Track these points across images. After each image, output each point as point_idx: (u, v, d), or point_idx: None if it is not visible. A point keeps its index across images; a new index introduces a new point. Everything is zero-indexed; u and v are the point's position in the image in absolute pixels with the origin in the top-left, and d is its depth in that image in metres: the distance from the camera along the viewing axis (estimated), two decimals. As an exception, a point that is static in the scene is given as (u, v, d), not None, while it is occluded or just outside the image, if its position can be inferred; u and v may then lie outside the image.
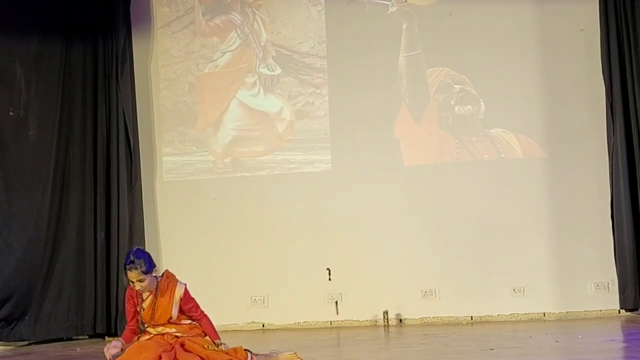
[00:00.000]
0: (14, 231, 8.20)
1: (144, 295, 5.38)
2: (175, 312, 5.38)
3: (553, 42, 8.63)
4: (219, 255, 8.95)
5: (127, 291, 5.45)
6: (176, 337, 5.33)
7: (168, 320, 5.41)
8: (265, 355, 5.58)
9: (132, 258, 5.29)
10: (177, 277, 5.51)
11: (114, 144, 8.83)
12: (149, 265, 5.31)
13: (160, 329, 5.41)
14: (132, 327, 5.45)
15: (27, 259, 8.22)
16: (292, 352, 5.61)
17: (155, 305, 5.35)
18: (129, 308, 5.43)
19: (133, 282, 5.29)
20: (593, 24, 8.39)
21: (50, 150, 8.53)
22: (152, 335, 5.38)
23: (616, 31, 8.23)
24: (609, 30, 8.24)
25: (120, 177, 8.77)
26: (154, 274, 5.36)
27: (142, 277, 5.26)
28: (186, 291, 5.43)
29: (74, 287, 8.51)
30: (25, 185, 8.32)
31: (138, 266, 5.26)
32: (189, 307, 5.43)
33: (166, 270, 5.54)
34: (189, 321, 5.47)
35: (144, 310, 5.37)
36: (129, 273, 5.28)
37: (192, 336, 5.38)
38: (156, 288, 5.37)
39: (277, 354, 5.59)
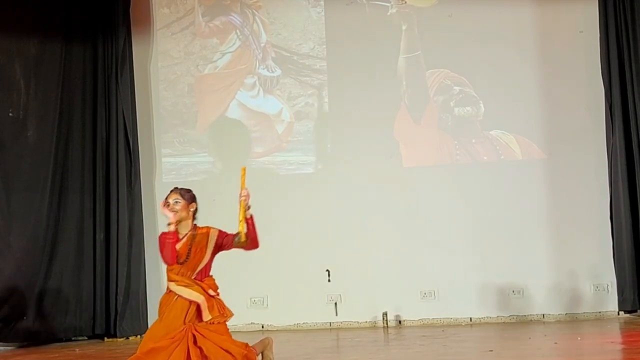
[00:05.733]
0: (13, 232, 8.20)
1: (180, 236, 5.44)
2: (210, 248, 5.51)
3: (553, 44, 8.64)
4: (218, 256, 8.89)
5: (161, 236, 5.43)
6: (195, 330, 5.32)
7: (196, 270, 5.47)
8: (259, 342, 5.84)
9: (181, 187, 5.57)
10: None
11: (113, 145, 8.83)
12: (191, 197, 5.49)
13: (187, 291, 5.43)
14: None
15: (26, 259, 8.21)
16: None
17: (192, 242, 5.43)
18: (170, 248, 5.38)
19: (169, 204, 5.41)
20: (593, 26, 8.39)
21: (50, 151, 8.53)
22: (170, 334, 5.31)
23: (615, 33, 8.24)
24: (608, 32, 8.25)
25: (119, 178, 8.78)
26: (191, 210, 5.48)
27: (180, 200, 5.41)
28: (220, 230, 5.56)
29: (73, 288, 8.51)
30: (24, 186, 8.31)
31: (182, 191, 5.47)
32: (226, 238, 5.55)
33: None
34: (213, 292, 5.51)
35: (179, 249, 5.39)
36: (170, 194, 5.46)
37: (212, 328, 5.40)
38: (193, 229, 5.47)
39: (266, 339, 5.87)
